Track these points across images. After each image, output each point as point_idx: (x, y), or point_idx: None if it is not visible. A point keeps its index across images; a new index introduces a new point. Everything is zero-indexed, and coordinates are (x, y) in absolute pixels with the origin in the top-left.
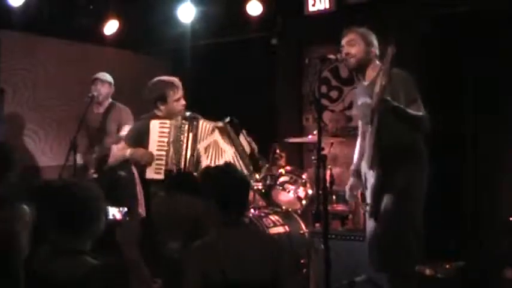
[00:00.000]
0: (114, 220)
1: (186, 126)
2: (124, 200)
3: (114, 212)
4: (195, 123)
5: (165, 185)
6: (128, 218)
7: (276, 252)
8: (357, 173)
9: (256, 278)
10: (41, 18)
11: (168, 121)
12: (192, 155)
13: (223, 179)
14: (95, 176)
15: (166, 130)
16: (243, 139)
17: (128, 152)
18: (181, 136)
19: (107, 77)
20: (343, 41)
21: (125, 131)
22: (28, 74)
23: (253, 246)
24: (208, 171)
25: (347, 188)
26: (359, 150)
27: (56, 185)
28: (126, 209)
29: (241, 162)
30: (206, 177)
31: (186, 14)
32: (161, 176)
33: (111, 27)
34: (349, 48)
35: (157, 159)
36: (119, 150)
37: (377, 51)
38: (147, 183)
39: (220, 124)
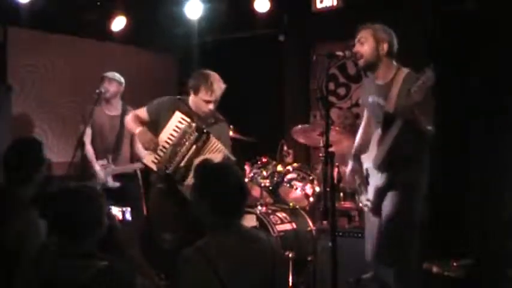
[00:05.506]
0: (117, 220)
1: (194, 137)
2: (128, 200)
3: (116, 212)
4: (204, 138)
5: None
6: (130, 218)
7: (271, 258)
8: (357, 157)
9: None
10: (48, 14)
11: (188, 120)
12: (184, 166)
13: (221, 180)
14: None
15: (182, 126)
16: None
17: (138, 130)
18: (185, 144)
19: (115, 76)
20: (356, 38)
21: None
22: (35, 71)
23: (247, 253)
24: (205, 168)
25: (347, 171)
26: (361, 136)
27: (55, 191)
28: (128, 208)
29: None
30: (202, 174)
31: (194, 10)
32: (155, 168)
33: (118, 23)
34: (359, 47)
35: (160, 150)
36: (135, 116)
37: (391, 48)
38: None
39: (226, 152)
